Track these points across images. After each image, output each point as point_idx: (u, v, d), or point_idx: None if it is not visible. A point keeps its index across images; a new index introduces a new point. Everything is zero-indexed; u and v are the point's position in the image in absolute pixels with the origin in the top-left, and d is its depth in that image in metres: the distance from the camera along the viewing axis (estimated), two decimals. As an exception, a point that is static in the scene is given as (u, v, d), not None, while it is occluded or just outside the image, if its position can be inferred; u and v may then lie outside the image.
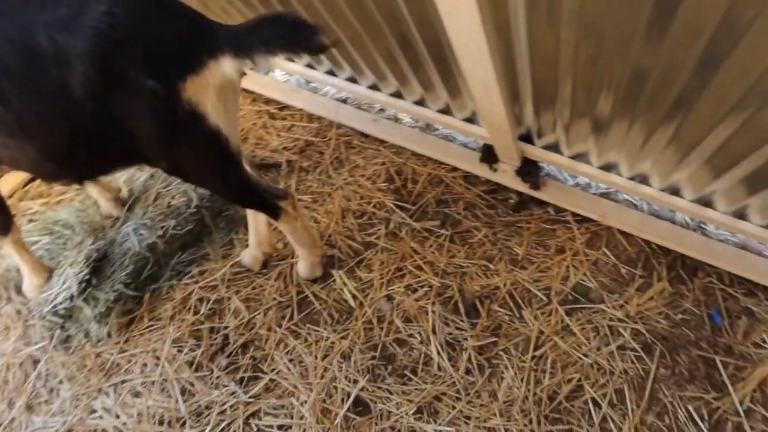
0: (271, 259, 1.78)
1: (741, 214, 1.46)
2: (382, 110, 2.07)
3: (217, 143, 1.26)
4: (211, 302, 1.72)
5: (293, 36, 1.17)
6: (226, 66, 1.17)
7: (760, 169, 1.19)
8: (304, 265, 1.69)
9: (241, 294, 1.72)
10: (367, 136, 2.02)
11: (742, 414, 1.37)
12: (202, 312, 1.70)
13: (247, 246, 1.76)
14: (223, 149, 1.28)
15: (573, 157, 1.64)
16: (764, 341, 1.47)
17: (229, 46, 1.17)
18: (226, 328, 1.66)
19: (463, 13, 1.00)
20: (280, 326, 1.64)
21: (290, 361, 1.57)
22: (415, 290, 1.65)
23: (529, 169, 1.78)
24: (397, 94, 1.86)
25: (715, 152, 1.23)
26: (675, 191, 1.53)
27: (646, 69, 1.08)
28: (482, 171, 1.84)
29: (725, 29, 0.88)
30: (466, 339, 1.55)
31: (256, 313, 1.68)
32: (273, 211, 1.49)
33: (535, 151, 1.68)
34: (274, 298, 1.69)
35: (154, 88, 1.12)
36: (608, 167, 1.60)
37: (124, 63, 1.10)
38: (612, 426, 1.38)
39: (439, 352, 1.53)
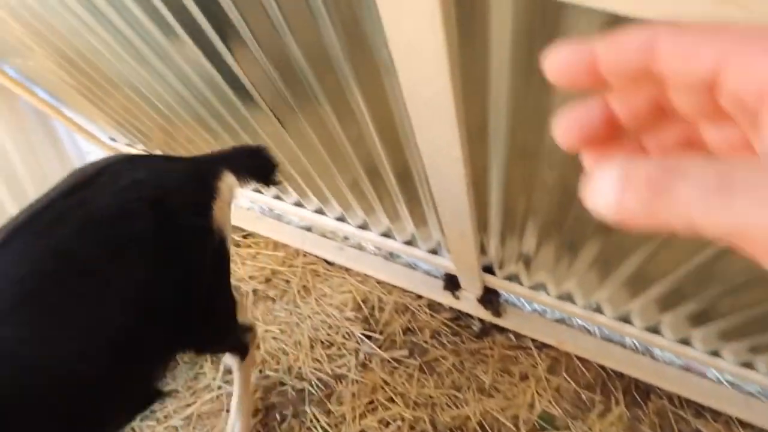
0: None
1: (685, 341, 1.61)
2: (346, 238, 2.15)
3: (228, 266, 1.31)
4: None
5: (262, 168, 1.49)
6: (230, 181, 1.29)
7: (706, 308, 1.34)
8: None
9: (208, 434, 1.67)
10: (332, 264, 2.09)
11: None
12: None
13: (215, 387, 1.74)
14: (229, 273, 1.33)
15: (532, 287, 1.77)
16: (718, 463, 1.57)
17: (223, 165, 1.35)
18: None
19: (450, 174, 1.10)
20: (250, 468, 1.59)
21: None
22: (387, 424, 1.67)
23: (490, 297, 1.88)
24: (364, 226, 1.96)
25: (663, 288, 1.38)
26: (625, 319, 1.67)
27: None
28: (446, 299, 1.93)
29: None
30: (441, 473, 1.56)
31: (226, 454, 1.62)
32: (242, 348, 1.49)
33: (497, 282, 1.80)
34: (244, 437, 1.65)
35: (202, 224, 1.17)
36: (565, 297, 1.73)
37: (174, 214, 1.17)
38: None
39: (416, 490, 1.53)
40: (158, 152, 2.26)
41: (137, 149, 2.34)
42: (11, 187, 2.11)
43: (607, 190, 0.24)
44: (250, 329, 1.54)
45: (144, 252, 1.10)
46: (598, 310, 1.71)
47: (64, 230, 1.04)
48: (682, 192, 0.22)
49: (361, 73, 1.04)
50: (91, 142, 2.34)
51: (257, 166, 1.51)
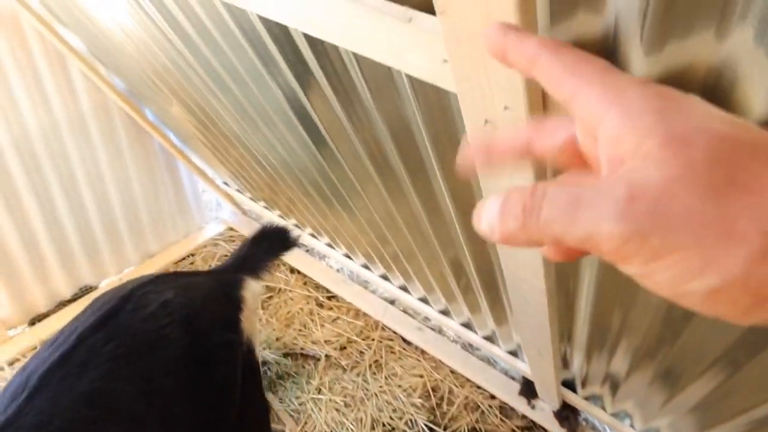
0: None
1: None
2: (427, 319, 2.11)
3: (260, 376, 1.32)
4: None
5: (280, 244, 1.57)
6: (254, 288, 1.32)
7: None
8: None
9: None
10: (409, 343, 2.04)
11: None
12: None
13: None
14: (261, 382, 1.34)
15: (615, 415, 1.62)
16: None
17: (244, 273, 1.39)
18: None
19: (531, 301, 1.05)
20: None
21: None
22: None
23: (567, 414, 1.74)
24: (445, 312, 1.91)
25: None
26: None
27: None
28: (520, 405, 1.81)
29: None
30: None
31: None
32: None
33: (576, 400, 1.66)
34: None
35: (232, 338, 1.20)
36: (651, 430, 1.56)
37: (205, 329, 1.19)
38: None
39: None
40: (262, 204, 2.38)
41: (246, 196, 2.47)
42: (128, 210, 2.29)
43: (491, 217, 0.30)
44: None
45: (178, 379, 1.09)
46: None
47: (95, 372, 1.02)
48: (545, 212, 0.28)
49: (448, 173, 1.03)
50: (207, 184, 2.50)
51: (277, 249, 1.60)
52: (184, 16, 1.15)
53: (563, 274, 1.06)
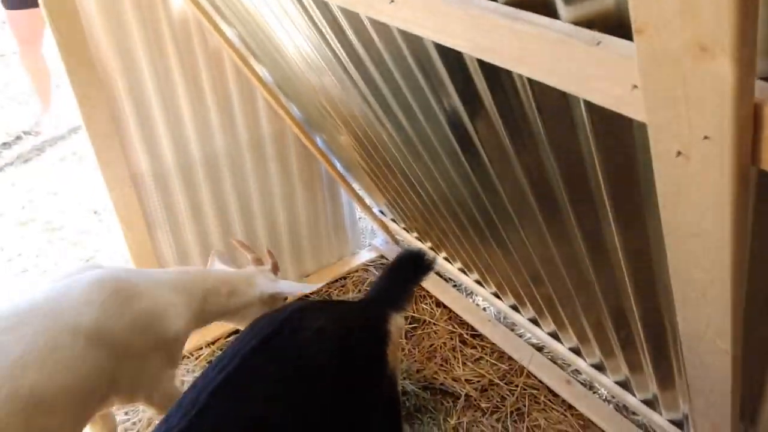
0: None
1: None
2: (577, 371, 1.96)
3: (399, 408, 1.32)
4: None
5: (418, 269, 1.57)
6: (399, 322, 1.36)
7: None
8: None
9: None
10: (556, 395, 1.91)
11: None
12: None
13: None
14: (401, 414, 1.34)
15: None
16: None
17: (389, 306, 1.39)
18: None
19: (713, 364, 0.93)
20: None
21: None
22: None
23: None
24: (599, 367, 1.76)
25: None
26: None
27: None
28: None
29: None
30: None
31: None
32: None
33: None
34: None
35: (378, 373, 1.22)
36: None
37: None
38: None
39: None
40: (415, 234, 2.41)
41: (399, 226, 2.52)
42: (291, 230, 2.45)
43: None
44: None
45: (326, 411, 1.11)
46: None
47: (257, 393, 1.08)
48: None
49: (621, 214, 0.95)
50: (364, 211, 2.60)
51: (416, 275, 1.58)
52: (361, 45, 1.22)
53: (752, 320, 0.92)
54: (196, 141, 2.03)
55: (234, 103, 2.05)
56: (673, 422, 1.59)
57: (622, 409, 1.83)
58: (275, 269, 1.80)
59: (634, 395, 1.67)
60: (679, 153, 0.54)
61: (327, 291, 2.57)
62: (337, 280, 2.62)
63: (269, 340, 1.17)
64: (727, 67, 0.44)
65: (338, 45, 1.31)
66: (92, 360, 1.24)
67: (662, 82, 0.51)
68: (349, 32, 1.22)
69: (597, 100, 0.63)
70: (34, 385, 1.13)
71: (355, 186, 2.56)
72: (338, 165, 2.42)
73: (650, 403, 1.64)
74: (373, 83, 1.37)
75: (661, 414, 1.61)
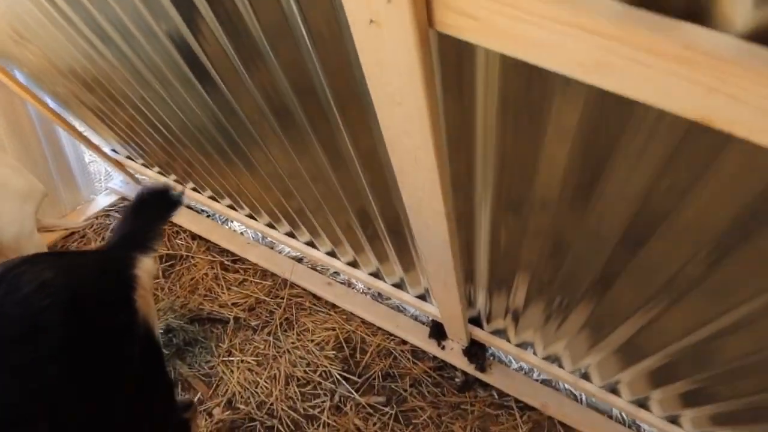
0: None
1: (673, 419, 1.53)
2: (336, 273, 2.10)
3: (161, 353, 1.24)
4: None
5: (164, 206, 1.47)
6: (147, 266, 1.24)
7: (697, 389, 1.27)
8: None
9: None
10: (319, 298, 2.03)
11: None
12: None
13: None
14: (162, 359, 1.26)
15: (519, 345, 1.70)
16: None
17: (134, 249, 1.28)
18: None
19: (432, 226, 1.06)
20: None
21: None
22: (355, 474, 1.59)
23: (476, 350, 1.82)
24: (354, 264, 1.91)
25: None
26: (613, 390, 1.59)
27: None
28: (430, 347, 1.86)
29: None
30: None
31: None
32: (185, 428, 1.42)
33: (483, 335, 1.74)
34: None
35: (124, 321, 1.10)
36: (553, 359, 1.66)
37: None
38: None
39: None
40: (156, 169, 2.25)
41: (137, 163, 2.32)
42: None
43: None
44: (189, 405, 1.47)
45: (63, 369, 0.97)
46: (586, 377, 1.63)
47: None
48: None
49: (349, 118, 1.01)
50: (92, 151, 2.32)
51: (162, 213, 1.47)
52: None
53: (461, 206, 1.09)
54: None
55: None
56: (418, 297, 1.82)
57: (377, 297, 2.03)
58: None
59: (385, 281, 1.86)
60: (371, 21, 0.58)
61: (63, 245, 2.29)
62: (74, 232, 2.34)
63: None
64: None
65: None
66: None
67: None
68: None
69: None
70: None
71: (77, 125, 2.25)
72: (50, 102, 2.09)
73: (399, 286, 1.85)
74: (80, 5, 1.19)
75: (408, 292, 1.83)
